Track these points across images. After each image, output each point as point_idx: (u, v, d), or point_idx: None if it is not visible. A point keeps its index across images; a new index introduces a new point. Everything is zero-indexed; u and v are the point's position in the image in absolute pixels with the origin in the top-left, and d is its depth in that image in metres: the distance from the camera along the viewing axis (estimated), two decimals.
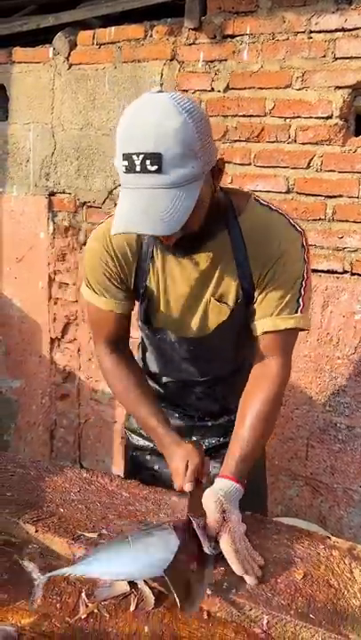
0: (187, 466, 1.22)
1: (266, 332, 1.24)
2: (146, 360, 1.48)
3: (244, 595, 1.00)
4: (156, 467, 1.52)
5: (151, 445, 1.47)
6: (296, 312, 1.22)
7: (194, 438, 1.47)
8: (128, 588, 1.03)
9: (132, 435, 1.57)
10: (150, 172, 0.98)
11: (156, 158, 0.98)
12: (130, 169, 1.00)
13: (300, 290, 1.22)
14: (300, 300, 1.22)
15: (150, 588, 1.03)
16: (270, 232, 1.20)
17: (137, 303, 1.34)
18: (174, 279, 1.26)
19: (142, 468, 1.54)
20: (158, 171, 0.98)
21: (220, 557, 1.06)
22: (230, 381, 1.40)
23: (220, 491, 1.12)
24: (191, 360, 1.36)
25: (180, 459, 1.25)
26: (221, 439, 1.48)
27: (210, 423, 1.49)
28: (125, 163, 1.00)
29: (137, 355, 1.51)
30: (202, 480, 1.22)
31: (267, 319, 1.23)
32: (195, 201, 1.02)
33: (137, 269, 1.27)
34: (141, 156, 0.98)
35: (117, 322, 1.34)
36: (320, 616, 0.96)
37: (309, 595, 1.01)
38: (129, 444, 1.60)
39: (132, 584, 1.03)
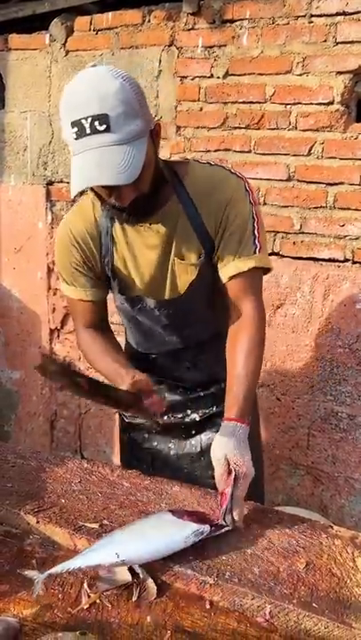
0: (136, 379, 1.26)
1: (231, 278, 1.30)
2: (129, 340, 1.54)
3: (246, 584, 1.00)
4: (154, 443, 1.55)
5: (147, 424, 1.48)
6: (255, 253, 1.30)
7: (188, 411, 1.52)
8: (130, 578, 1.03)
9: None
10: (100, 131, 1.06)
11: (103, 118, 1.05)
12: (80, 134, 1.07)
13: (253, 231, 1.29)
14: (256, 241, 1.30)
15: (152, 577, 1.03)
16: (213, 183, 1.29)
17: (112, 287, 1.40)
18: (139, 249, 1.32)
19: (140, 449, 1.57)
20: (107, 130, 1.06)
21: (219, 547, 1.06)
22: (214, 348, 1.42)
23: (228, 441, 1.18)
24: (171, 327, 1.40)
25: (129, 376, 1.26)
26: (214, 408, 1.51)
27: (202, 393, 1.52)
28: (75, 129, 1.07)
29: (121, 340, 1.56)
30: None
31: (229, 265, 1.30)
32: (144, 155, 1.10)
33: (101, 252, 1.34)
34: (89, 119, 1.05)
35: (90, 309, 1.41)
36: (323, 605, 0.95)
37: (312, 584, 1.00)
38: (124, 426, 1.62)
39: (134, 574, 1.03)
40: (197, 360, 1.49)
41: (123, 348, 1.53)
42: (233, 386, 1.28)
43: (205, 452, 1.46)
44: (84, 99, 1.06)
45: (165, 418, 1.48)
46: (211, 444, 1.25)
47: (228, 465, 1.16)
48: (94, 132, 1.06)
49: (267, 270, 1.35)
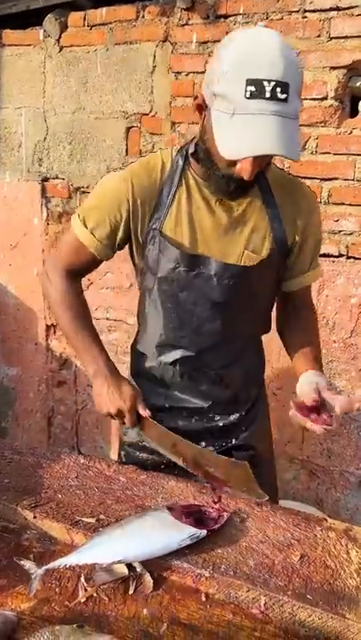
0: (136, 395, 1.28)
1: (304, 287, 1.40)
2: (150, 331, 1.38)
3: (241, 576, 1.01)
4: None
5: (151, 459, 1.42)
6: (317, 266, 1.40)
7: (202, 443, 1.38)
8: (127, 572, 1.04)
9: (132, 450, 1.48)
10: (280, 99, 1.01)
11: (285, 87, 1.01)
12: (258, 94, 1.01)
13: (320, 245, 1.40)
14: (318, 254, 1.40)
15: (149, 571, 1.04)
16: (295, 187, 1.32)
17: (148, 257, 1.30)
18: (202, 226, 1.27)
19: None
20: (285, 99, 1.01)
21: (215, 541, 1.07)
22: (244, 363, 1.41)
23: (314, 377, 1.24)
24: (221, 306, 1.29)
25: (128, 387, 1.28)
26: (233, 441, 1.42)
27: (221, 423, 1.41)
28: (252, 88, 1.00)
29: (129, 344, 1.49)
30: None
31: (305, 275, 1.38)
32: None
33: (153, 213, 1.27)
34: (273, 83, 1.00)
35: (87, 260, 1.35)
36: (317, 596, 0.97)
37: (306, 576, 1.02)
38: (125, 444, 1.51)
39: (131, 567, 1.04)
40: (226, 371, 1.37)
41: (130, 359, 1.45)
42: (308, 354, 1.35)
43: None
44: (267, 60, 1.01)
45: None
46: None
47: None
48: (274, 97, 1.00)
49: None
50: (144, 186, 1.26)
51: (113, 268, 2.35)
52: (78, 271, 1.38)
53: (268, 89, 1.00)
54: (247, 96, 1.01)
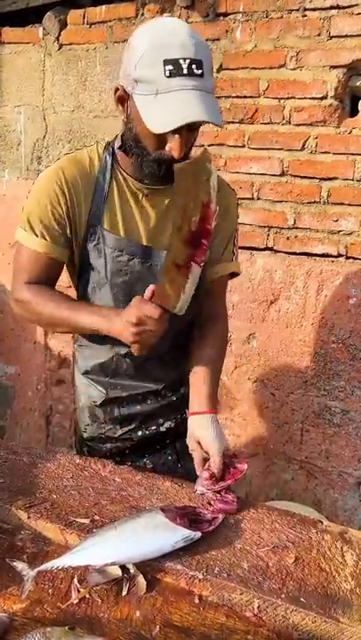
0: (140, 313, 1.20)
1: (214, 279, 1.39)
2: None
3: (235, 579, 1.00)
4: (128, 463, 1.46)
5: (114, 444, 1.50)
6: (232, 260, 1.43)
7: (160, 420, 1.49)
8: (120, 573, 1.03)
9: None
10: (197, 75, 1.09)
11: (199, 64, 1.09)
12: (175, 72, 1.08)
13: (234, 241, 1.42)
14: (235, 249, 1.43)
15: (142, 572, 1.03)
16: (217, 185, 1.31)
17: (92, 248, 1.30)
18: (135, 220, 1.31)
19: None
20: (202, 75, 1.09)
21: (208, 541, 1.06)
22: (187, 342, 1.43)
23: (218, 433, 1.27)
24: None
25: (131, 307, 1.20)
26: (187, 411, 1.41)
27: (174, 397, 1.47)
28: (170, 67, 1.08)
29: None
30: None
31: (217, 265, 1.39)
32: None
33: (91, 207, 1.28)
34: (188, 61, 1.08)
35: (50, 267, 1.33)
36: (311, 600, 0.96)
37: (300, 579, 1.01)
38: (85, 439, 1.56)
39: (124, 569, 1.04)
40: (175, 353, 1.43)
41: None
42: (204, 377, 1.35)
43: (182, 458, 1.47)
44: (178, 41, 1.09)
45: (140, 433, 1.49)
46: (186, 448, 1.32)
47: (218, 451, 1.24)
48: (191, 74, 1.08)
49: (236, 274, 1.46)
50: (76, 179, 1.28)
51: None
52: (44, 282, 1.36)
53: (184, 66, 1.08)
54: (167, 75, 1.08)
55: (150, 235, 1.33)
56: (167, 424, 1.50)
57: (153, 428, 1.50)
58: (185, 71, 1.08)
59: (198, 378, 1.35)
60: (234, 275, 1.46)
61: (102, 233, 1.30)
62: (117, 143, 1.30)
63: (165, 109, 1.10)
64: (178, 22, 1.16)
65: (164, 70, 1.08)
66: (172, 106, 1.09)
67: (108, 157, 1.30)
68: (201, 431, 1.28)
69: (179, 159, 1.17)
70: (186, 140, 1.17)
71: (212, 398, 1.33)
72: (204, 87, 1.10)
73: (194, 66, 1.08)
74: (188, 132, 1.17)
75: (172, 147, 1.16)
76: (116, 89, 1.18)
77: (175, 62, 1.08)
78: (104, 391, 1.46)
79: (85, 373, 1.50)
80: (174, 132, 1.14)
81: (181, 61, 1.08)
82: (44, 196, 1.28)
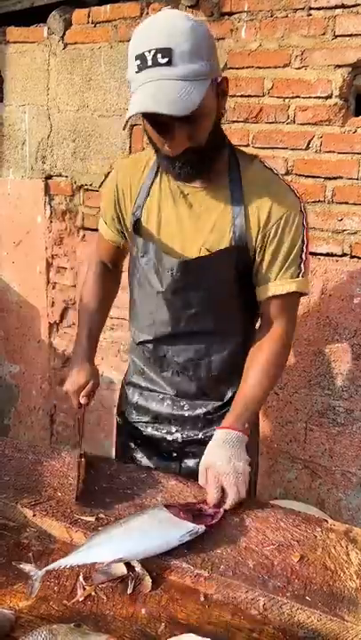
0: (87, 383, 1.39)
1: (270, 298, 1.30)
2: (130, 311, 1.50)
3: (240, 577, 1.00)
4: (138, 455, 1.53)
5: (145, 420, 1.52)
6: (298, 276, 1.29)
7: (172, 429, 1.47)
8: (126, 571, 1.03)
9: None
10: (161, 64, 1.04)
11: (166, 52, 1.04)
12: (142, 66, 1.06)
13: (300, 255, 1.28)
14: (302, 265, 1.29)
15: (148, 570, 1.03)
16: (270, 192, 1.26)
17: (135, 243, 1.39)
18: (167, 219, 1.32)
19: (130, 456, 1.55)
20: (168, 63, 1.04)
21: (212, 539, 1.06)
22: (218, 358, 1.39)
23: (218, 449, 1.20)
24: (166, 301, 1.34)
25: (84, 374, 1.40)
26: (200, 434, 1.46)
27: (187, 413, 1.45)
28: (138, 62, 1.06)
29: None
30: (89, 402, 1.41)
31: (270, 284, 1.30)
32: (202, 94, 1.07)
33: (134, 204, 1.36)
34: (153, 51, 1.04)
35: (108, 248, 1.52)
36: (316, 598, 0.96)
37: (306, 577, 1.01)
38: (118, 430, 1.62)
39: (130, 567, 1.04)
40: (189, 365, 1.40)
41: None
42: (239, 396, 1.29)
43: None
44: (151, 33, 1.06)
45: (149, 430, 1.51)
46: (188, 473, 1.32)
47: (215, 476, 1.17)
48: (155, 64, 1.04)
49: (304, 294, 1.35)
50: (128, 176, 1.37)
51: None
52: (109, 261, 1.55)
53: (149, 58, 1.04)
54: (136, 71, 1.07)
55: (175, 235, 1.31)
56: (176, 435, 1.48)
57: (163, 430, 1.49)
58: (149, 63, 1.05)
59: (235, 399, 1.31)
60: (302, 294, 1.33)
61: (136, 229, 1.37)
62: None
63: (131, 103, 1.09)
64: (165, 12, 1.12)
65: (135, 67, 1.07)
66: (134, 99, 1.08)
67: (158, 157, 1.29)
68: (209, 445, 1.23)
69: (175, 156, 1.16)
70: (179, 139, 1.13)
71: (238, 417, 1.25)
72: (171, 75, 1.04)
73: (159, 55, 1.04)
74: (185, 124, 1.10)
75: (166, 144, 1.15)
76: None
77: (142, 56, 1.05)
78: (132, 375, 1.55)
79: (130, 352, 1.57)
80: (160, 127, 1.12)
81: (146, 53, 1.04)
82: (107, 193, 1.44)
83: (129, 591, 1.00)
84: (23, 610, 0.96)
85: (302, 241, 1.28)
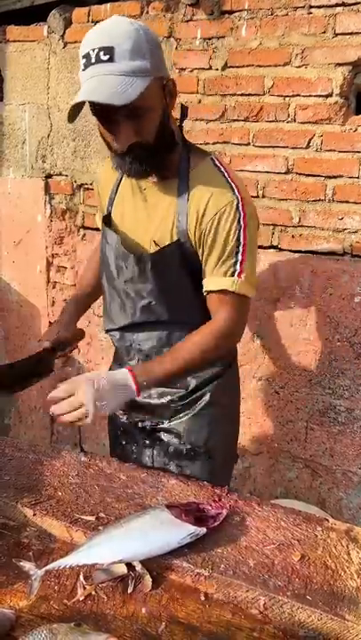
0: (58, 332, 1.54)
1: (208, 292, 1.33)
2: (103, 304, 1.56)
3: (240, 576, 1.00)
4: (123, 442, 1.61)
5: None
6: (232, 275, 1.28)
7: (145, 417, 1.52)
8: (126, 571, 1.03)
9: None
10: (103, 61, 1.12)
11: (108, 50, 1.11)
12: (87, 64, 1.13)
13: (235, 254, 1.28)
14: (238, 265, 1.28)
15: (148, 570, 1.03)
16: (210, 188, 1.29)
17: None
18: (126, 212, 1.41)
19: (117, 442, 1.65)
20: (110, 60, 1.11)
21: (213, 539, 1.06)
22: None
23: (93, 379, 1.21)
24: (123, 291, 1.42)
25: (58, 325, 1.57)
26: (165, 422, 1.51)
27: (153, 401, 1.49)
28: (84, 60, 1.14)
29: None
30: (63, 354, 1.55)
31: (207, 279, 1.32)
32: (142, 89, 1.13)
33: (108, 197, 1.47)
34: (96, 50, 1.12)
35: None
36: (317, 597, 0.96)
37: (306, 576, 1.01)
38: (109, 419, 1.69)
39: (130, 566, 1.04)
40: (153, 352, 1.44)
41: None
42: (158, 358, 1.34)
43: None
44: (95, 35, 1.14)
45: (124, 420, 1.57)
46: (159, 463, 1.44)
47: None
48: (98, 61, 1.12)
49: (241, 295, 1.31)
50: (107, 172, 1.49)
51: None
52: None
53: (93, 55, 1.12)
54: (82, 69, 1.15)
55: (132, 227, 1.40)
56: (147, 423, 1.54)
57: (139, 417, 1.55)
58: (93, 60, 1.12)
59: (156, 358, 1.38)
60: (241, 295, 1.31)
61: (110, 221, 1.45)
62: None
63: (75, 99, 1.15)
64: (111, 18, 1.19)
65: (82, 65, 1.15)
66: (78, 94, 1.15)
67: None
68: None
69: (121, 151, 1.22)
70: (128, 128, 1.18)
71: (147, 371, 1.28)
72: (111, 71, 1.11)
73: (101, 53, 1.11)
74: (130, 119, 1.17)
75: (115, 140, 1.22)
76: None
77: (87, 55, 1.13)
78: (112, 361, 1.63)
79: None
80: (109, 124, 1.19)
81: (90, 52, 1.12)
82: (95, 186, 1.58)
83: (129, 590, 1.00)
84: (23, 609, 0.96)
85: (237, 239, 1.27)
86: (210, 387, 1.50)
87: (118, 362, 1.56)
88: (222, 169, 1.33)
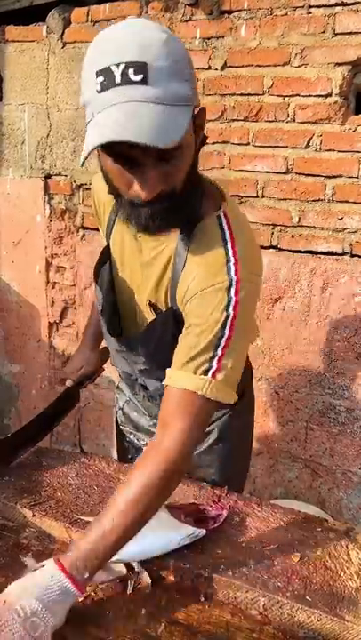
0: (82, 367, 1.46)
1: (166, 386, 1.02)
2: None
3: (240, 577, 1.00)
4: (132, 437, 1.53)
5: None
6: (205, 374, 0.97)
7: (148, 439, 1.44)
8: (125, 571, 1.03)
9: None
10: (134, 82, 0.80)
11: (140, 67, 0.80)
12: (106, 85, 0.81)
13: (215, 347, 0.97)
14: (214, 361, 0.97)
15: (147, 570, 1.03)
16: (203, 258, 1.00)
17: None
18: (127, 260, 1.15)
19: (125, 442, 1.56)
20: (144, 82, 0.81)
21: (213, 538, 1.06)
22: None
23: (27, 585, 0.88)
24: (123, 354, 1.26)
25: (80, 359, 1.49)
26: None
27: (154, 429, 1.35)
28: (101, 79, 0.82)
29: None
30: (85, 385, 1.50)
31: (172, 370, 1.01)
32: (187, 125, 0.84)
33: (108, 222, 1.19)
34: (122, 66, 0.80)
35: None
36: (316, 598, 0.96)
37: (306, 577, 1.01)
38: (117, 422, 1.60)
39: (130, 567, 1.04)
40: (158, 393, 1.24)
41: None
42: (92, 534, 0.92)
43: None
44: (116, 45, 0.82)
45: (131, 438, 1.53)
46: None
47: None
48: (126, 82, 0.80)
49: (209, 400, 0.98)
50: (102, 192, 1.12)
51: None
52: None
53: (117, 74, 0.80)
54: (98, 90, 0.82)
55: (131, 280, 1.15)
56: None
57: (143, 442, 1.48)
58: (118, 79, 0.81)
59: (91, 528, 0.94)
60: (211, 401, 0.98)
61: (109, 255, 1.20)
62: None
63: (90, 135, 0.84)
64: (129, 21, 0.89)
65: (96, 84, 0.82)
66: (95, 129, 0.83)
67: None
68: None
69: (148, 200, 0.89)
70: (158, 173, 0.87)
71: (79, 559, 0.90)
72: (148, 97, 0.80)
73: (130, 71, 0.80)
74: (161, 161, 0.87)
75: (135, 186, 0.89)
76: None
77: (107, 71, 0.81)
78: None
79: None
80: (130, 165, 0.87)
81: (113, 68, 0.81)
82: (91, 202, 1.28)
83: (129, 591, 1.00)
84: None
85: (220, 329, 0.97)
86: (217, 423, 1.32)
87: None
88: (227, 234, 1.01)
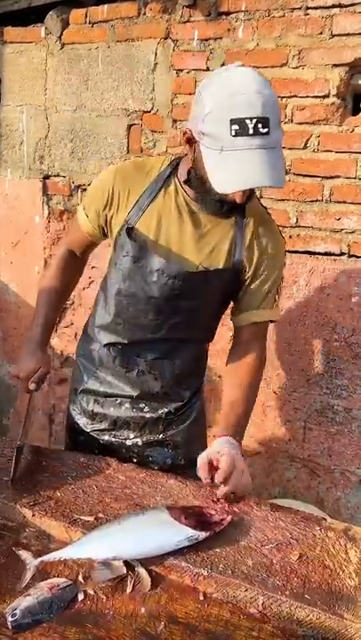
0: (37, 370, 1.43)
1: (249, 324, 1.44)
2: (97, 313, 1.54)
3: (239, 576, 1.01)
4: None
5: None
6: (272, 307, 1.46)
7: (131, 434, 1.53)
8: (125, 571, 1.04)
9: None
10: (262, 134, 1.12)
11: (266, 122, 1.12)
12: (241, 132, 1.12)
13: (278, 289, 1.45)
14: (277, 296, 1.46)
15: (147, 569, 1.04)
16: (266, 229, 1.40)
17: (119, 245, 1.42)
18: (168, 232, 1.37)
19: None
20: (268, 133, 1.13)
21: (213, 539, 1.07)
22: (182, 359, 1.49)
23: (234, 451, 1.24)
24: (157, 307, 1.41)
25: (35, 360, 1.44)
26: (160, 435, 1.53)
27: (148, 415, 1.52)
28: (236, 127, 1.12)
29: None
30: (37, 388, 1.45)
31: (252, 311, 1.44)
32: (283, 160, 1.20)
33: (128, 211, 1.39)
34: (254, 120, 1.11)
35: (82, 239, 1.53)
36: (315, 596, 0.97)
37: (305, 575, 1.01)
38: (69, 425, 1.65)
39: (129, 566, 1.04)
40: (155, 364, 1.48)
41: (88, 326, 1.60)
42: (235, 407, 1.38)
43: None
44: (246, 100, 1.12)
45: (106, 438, 1.54)
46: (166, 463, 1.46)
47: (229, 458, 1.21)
48: (257, 133, 1.12)
49: (274, 321, 1.50)
50: (128, 181, 1.39)
51: None
52: (79, 251, 1.57)
53: (250, 126, 1.11)
54: (233, 134, 1.13)
55: (173, 247, 1.38)
56: (136, 440, 1.53)
57: (121, 437, 1.54)
58: (250, 131, 1.12)
59: (227, 410, 1.39)
60: (272, 321, 1.49)
61: (128, 232, 1.38)
62: (183, 176, 1.34)
63: (229, 169, 1.15)
64: (247, 76, 1.16)
65: (230, 130, 1.12)
66: (236, 166, 1.14)
67: (167, 172, 1.38)
68: (213, 443, 1.29)
69: (241, 203, 1.26)
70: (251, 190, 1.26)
71: (235, 430, 1.33)
72: (270, 144, 1.13)
73: (260, 125, 1.11)
74: None
75: (236, 195, 1.23)
76: (185, 132, 1.25)
77: (241, 122, 1.12)
78: (88, 380, 1.56)
79: (79, 355, 1.61)
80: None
81: (248, 121, 1.11)
82: (96, 187, 1.44)
83: (128, 590, 1.01)
84: None
85: (282, 278, 1.47)
86: (197, 396, 1.58)
87: (106, 375, 1.53)
88: (266, 209, 1.45)
